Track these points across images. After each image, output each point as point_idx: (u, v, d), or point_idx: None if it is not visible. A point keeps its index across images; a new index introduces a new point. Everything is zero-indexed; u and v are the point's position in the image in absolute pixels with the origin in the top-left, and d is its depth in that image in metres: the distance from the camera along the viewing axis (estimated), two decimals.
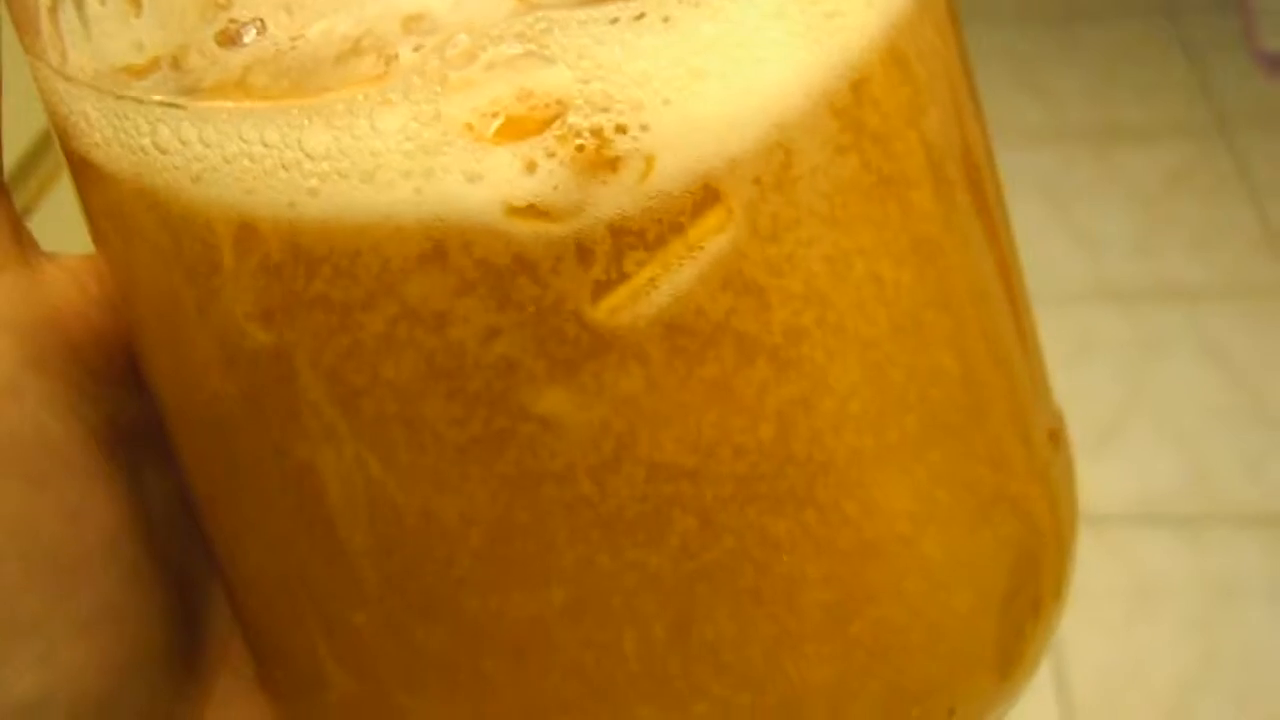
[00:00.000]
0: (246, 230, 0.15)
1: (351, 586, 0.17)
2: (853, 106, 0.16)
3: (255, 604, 0.19)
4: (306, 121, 0.14)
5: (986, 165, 0.20)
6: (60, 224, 0.20)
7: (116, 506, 0.19)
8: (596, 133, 0.14)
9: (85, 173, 0.17)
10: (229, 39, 0.15)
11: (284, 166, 0.14)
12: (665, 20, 0.14)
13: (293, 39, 0.15)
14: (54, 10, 0.16)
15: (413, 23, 0.14)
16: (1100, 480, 1.12)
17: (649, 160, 0.14)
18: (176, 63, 0.15)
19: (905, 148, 0.17)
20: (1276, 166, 1.43)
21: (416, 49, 0.14)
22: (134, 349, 0.19)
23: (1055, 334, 1.32)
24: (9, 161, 0.19)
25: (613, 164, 0.14)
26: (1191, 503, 1.11)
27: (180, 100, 0.14)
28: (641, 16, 0.14)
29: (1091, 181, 1.45)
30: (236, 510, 0.18)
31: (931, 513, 0.17)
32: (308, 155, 0.14)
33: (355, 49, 0.14)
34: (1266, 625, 1.02)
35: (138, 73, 0.16)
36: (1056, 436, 0.21)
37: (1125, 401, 1.20)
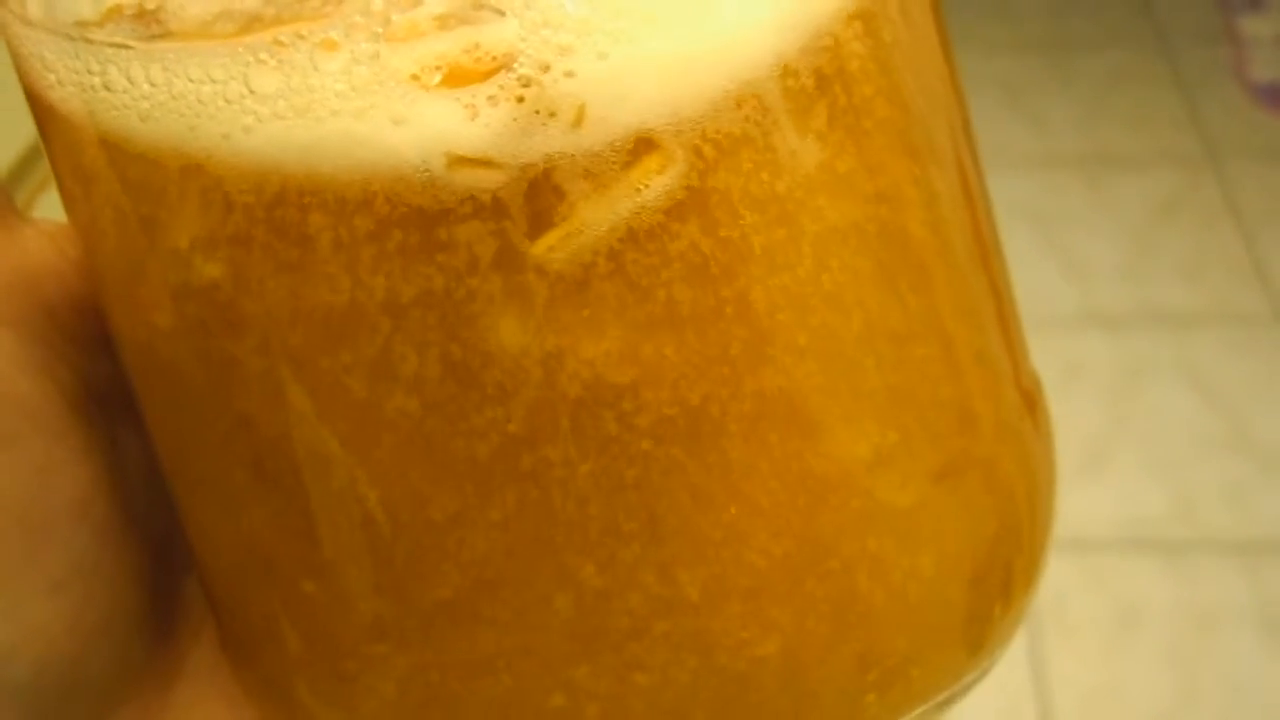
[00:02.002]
0: (190, 166, 0.15)
1: (300, 539, 0.17)
2: (813, 61, 0.16)
3: (213, 560, 0.19)
4: (251, 58, 0.14)
5: (961, 129, 0.19)
6: None
7: (87, 467, 0.18)
8: (537, 82, 0.14)
9: (45, 118, 0.17)
10: None
11: (226, 101, 0.14)
12: None
13: None
14: None
15: None
16: (1085, 506, 1.12)
17: (584, 107, 0.14)
18: (140, 12, 0.15)
19: (871, 105, 0.16)
20: (1265, 196, 1.44)
21: None
22: (99, 302, 0.19)
23: (1042, 359, 1.31)
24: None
25: (552, 111, 0.14)
26: (1175, 529, 1.11)
27: (128, 41, 0.15)
28: None
29: (1081, 209, 1.45)
30: (191, 463, 0.18)
31: (890, 461, 0.17)
32: (249, 91, 0.14)
33: None
34: (1248, 653, 1.01)
35: (96, 24, 0.16)
36: (1031, 400, 0.21)
37: (1111, 428, 1.20)
